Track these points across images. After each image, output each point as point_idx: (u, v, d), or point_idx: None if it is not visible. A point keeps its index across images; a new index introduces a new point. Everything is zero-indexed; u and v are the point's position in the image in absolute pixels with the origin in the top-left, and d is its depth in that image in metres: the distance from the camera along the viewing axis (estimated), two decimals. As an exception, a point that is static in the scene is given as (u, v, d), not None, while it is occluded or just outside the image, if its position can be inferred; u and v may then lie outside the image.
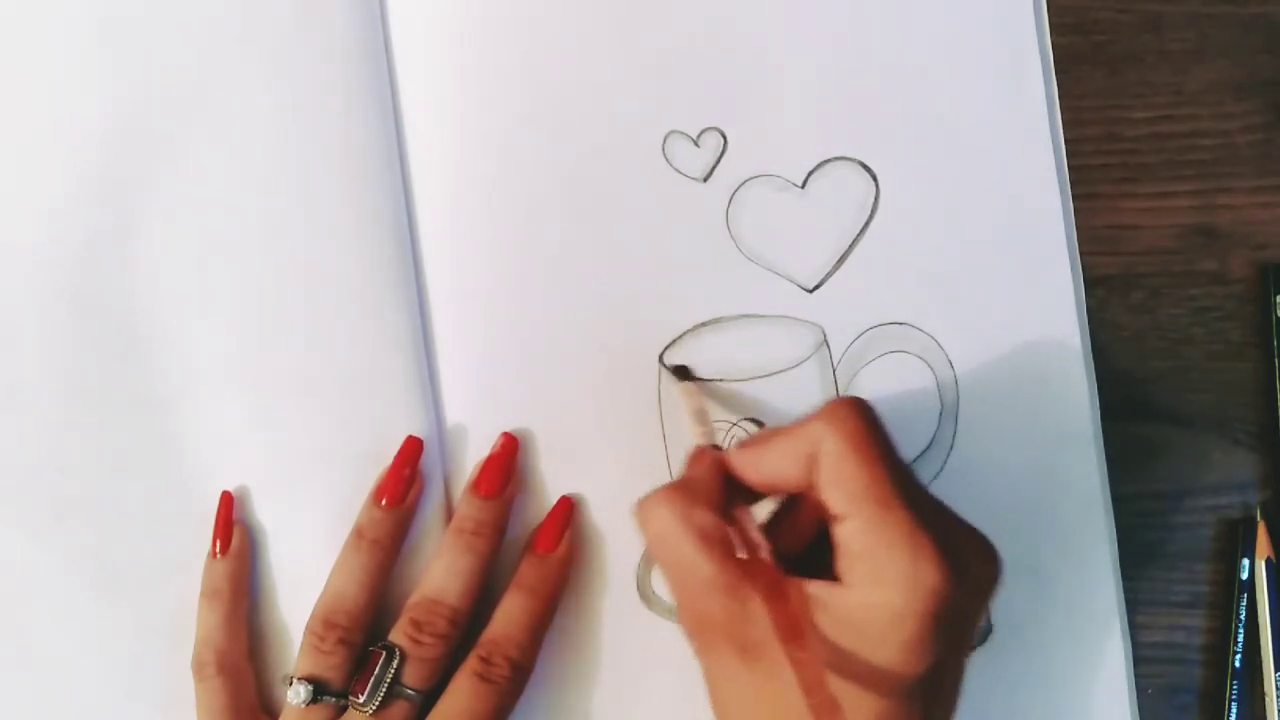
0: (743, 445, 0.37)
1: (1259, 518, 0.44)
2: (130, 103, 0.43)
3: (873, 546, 0.33)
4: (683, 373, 0.43)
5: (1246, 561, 0.44)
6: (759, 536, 0.35)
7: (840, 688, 0.32)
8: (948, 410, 0.43)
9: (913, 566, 0.32)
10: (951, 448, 0.43)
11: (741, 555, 0.35)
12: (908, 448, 0.43)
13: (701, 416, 0.40)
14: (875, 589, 0.33)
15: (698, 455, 0.38)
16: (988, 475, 0.43)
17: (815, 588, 0.34)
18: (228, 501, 0.42)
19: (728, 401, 0.43)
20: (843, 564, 0.33)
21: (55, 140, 0.43)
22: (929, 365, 0.44)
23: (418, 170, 0.44)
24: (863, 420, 0.34)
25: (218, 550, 0.42)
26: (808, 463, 0.34)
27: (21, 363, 0.43)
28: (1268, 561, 0.43)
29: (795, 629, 0.33)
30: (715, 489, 0.36)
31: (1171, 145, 0.45)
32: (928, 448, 0.43)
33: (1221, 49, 0.46)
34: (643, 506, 0.36)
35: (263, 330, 0.43)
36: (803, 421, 0.35)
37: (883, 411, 0.43)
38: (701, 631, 0.35)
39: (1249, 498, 0.44)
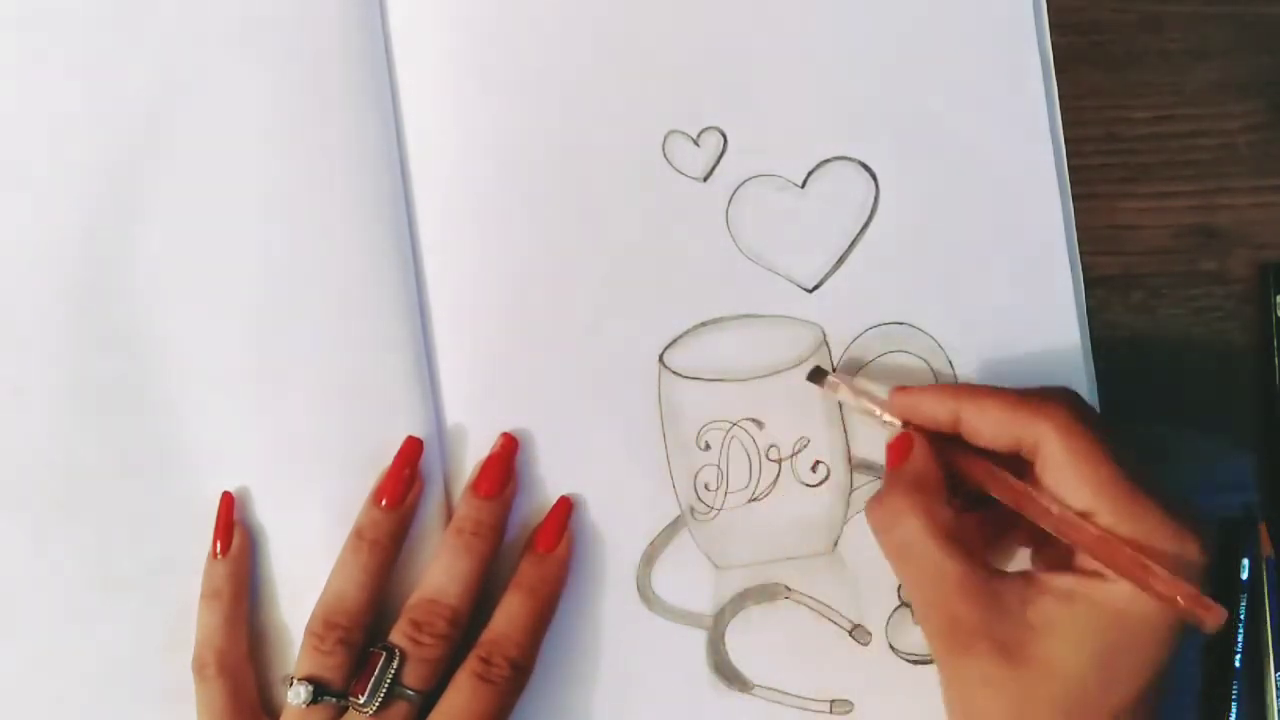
0: (957, 393, 0.37)
1: (1259, 518, 0.44)
2: (130, 103, 0.43)
3: (1132, 537, 0.33)
4: (818, 375, 0.42)
5: (1247, 561, 0.44)
6: (1017, 482, 0.36)
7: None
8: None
9: (1179, 549, 0.33)
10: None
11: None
12: (908, 448, 0.43)
13: (870, 411, 0.40)
14: (1146, 584, 0.33)
15: (903, 444, 0.38)
16: (988, 475, 0.43)
17: (1071, 582, 0.34)
18: (228, 502, 0.42)
19: (727, 401, 0.43)
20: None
21: (55, 140, 0.43)
22: (929, 365, 0.44)
23: (418, 170, 0.44)
24: (1082, 420, 0.35)
25: (218, 551, 0.42)
26: (1016, 444, 0.35)
27: (22, 363, 0.43)
28: (1268, 561, 0.43)
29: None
30: (940, 479, 0.36)
31: (1171, 145, 0.45)
32: (928, 447, 0.43)
33: (1221, 49, 0.46)
34: (882, 513, 0.36)
35: (263, 331, 0.43)
36: (1023, 407, 0.35)
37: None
38: (955, 635, 0.35)
39: (1249, 498, 0.44)
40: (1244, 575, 0.43)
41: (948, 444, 0.38)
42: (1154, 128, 0.45)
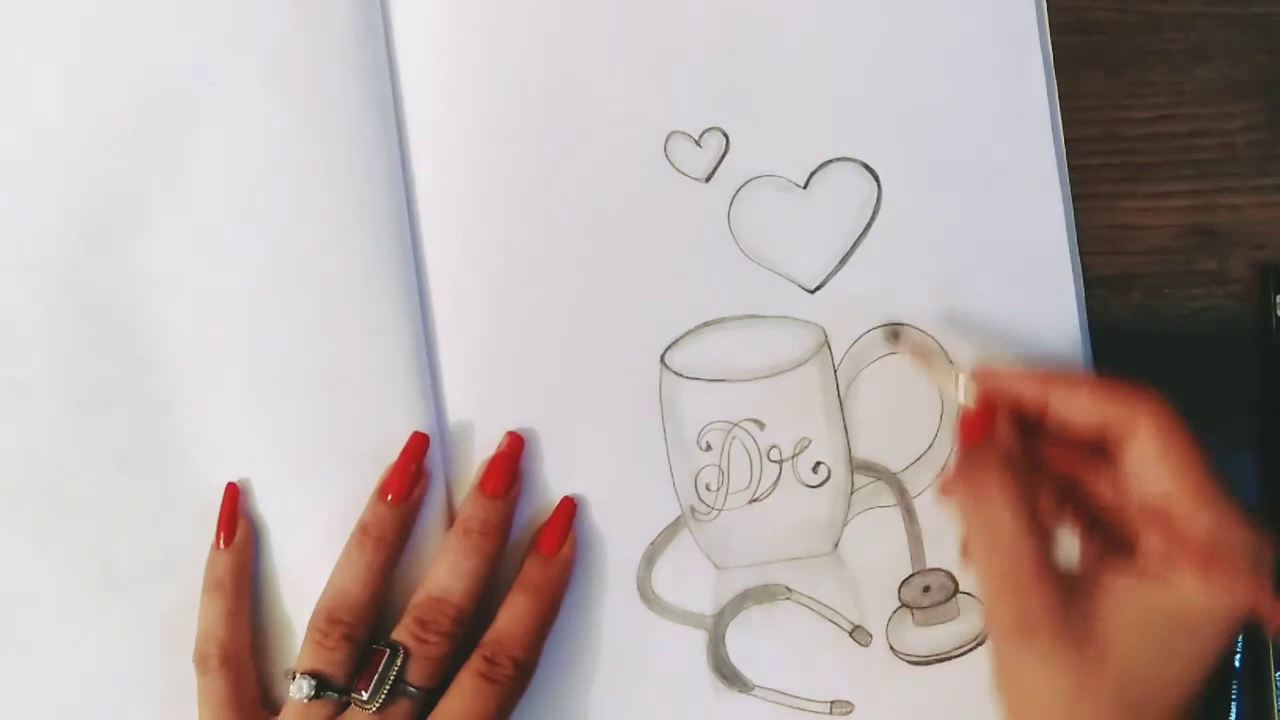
0: (1048, 378, 0.37)
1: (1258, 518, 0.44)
2: (131, 103, 0.43)
3: (1214, 529, 0.34)
4: (894, 336, 0.42)
5: (1247, 561, 0.44)
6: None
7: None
8: (948, 410, 0.43)
9: (1258, 548, 0.34)
10: (952, 448, 0.43)
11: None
12: (908, 449, 0.43)
13: (952, 384, 0.39)
14: (1220, 579, 0.34)
15: (984, 419, 0.37)
16: (989, 475, 0.43)
17: (1133, 583, 0.35)
18: (233, 493, 0.42)
19: (728, 402, 0.43)
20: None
21: (57, 140, 0.43)
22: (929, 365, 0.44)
23: (418, 170, 0.44)
24: (1177, 418, 0.35)
25: (221, 542, 0.42)
26: (1103, 430, 0.36)
27: (23, 362, 0.43)
28: (1268, 561, 0.43)
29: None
30: (1025, 461, 0.36)
31: (1171, 145, 0.45)
32: (928, 448, 0.43)
33: (1221, 49, 0.46)
34: (972, 488, 0.36)
35: (265, 329, 0.43)
36: (1118, 396, 0.36)
37: (883, 412, 0.43)
38: (1022, 621, 0.35)
39: (1249, 498, 0.45)
40: (1244, 575, 0.44)
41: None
42: (1154, 128, 0.45)
